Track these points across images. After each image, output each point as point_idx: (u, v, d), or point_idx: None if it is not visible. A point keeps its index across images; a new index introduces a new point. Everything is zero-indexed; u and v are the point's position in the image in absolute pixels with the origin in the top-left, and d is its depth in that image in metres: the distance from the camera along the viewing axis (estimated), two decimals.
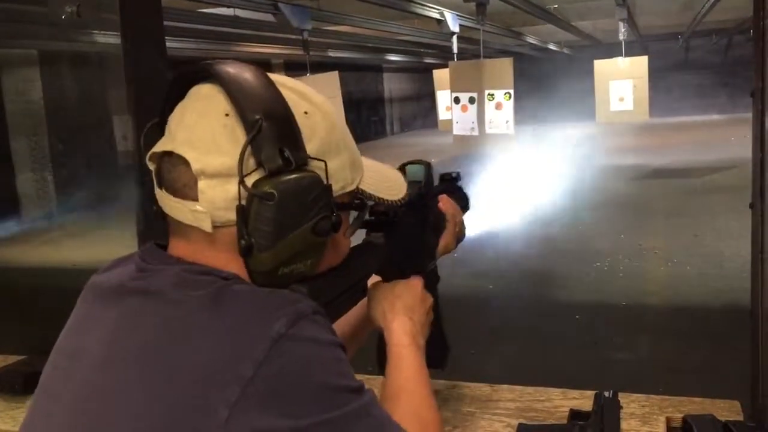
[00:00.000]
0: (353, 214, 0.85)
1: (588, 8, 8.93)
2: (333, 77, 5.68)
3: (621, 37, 6.60)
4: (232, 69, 0.75)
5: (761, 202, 1.16)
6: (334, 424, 0.68)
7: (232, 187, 0.70)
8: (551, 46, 14.49)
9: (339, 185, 0.78)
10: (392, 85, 19.97)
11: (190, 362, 0.66)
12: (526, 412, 1.21)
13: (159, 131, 0.77)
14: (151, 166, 0.76)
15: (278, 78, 0.79)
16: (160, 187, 0.75)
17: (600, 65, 6.48)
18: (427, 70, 10.63)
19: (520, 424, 1.14)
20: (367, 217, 0.96)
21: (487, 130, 5.72)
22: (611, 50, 9.99)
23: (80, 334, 0.77)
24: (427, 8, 6.90)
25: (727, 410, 1.18)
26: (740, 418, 1.16)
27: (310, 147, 0.74)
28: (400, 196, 0.87)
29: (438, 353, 1.14)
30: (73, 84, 9.28)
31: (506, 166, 10.47)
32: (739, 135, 10.43)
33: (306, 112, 0.76)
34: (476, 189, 9.19)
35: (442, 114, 7.88)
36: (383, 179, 0.87)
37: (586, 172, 10.12)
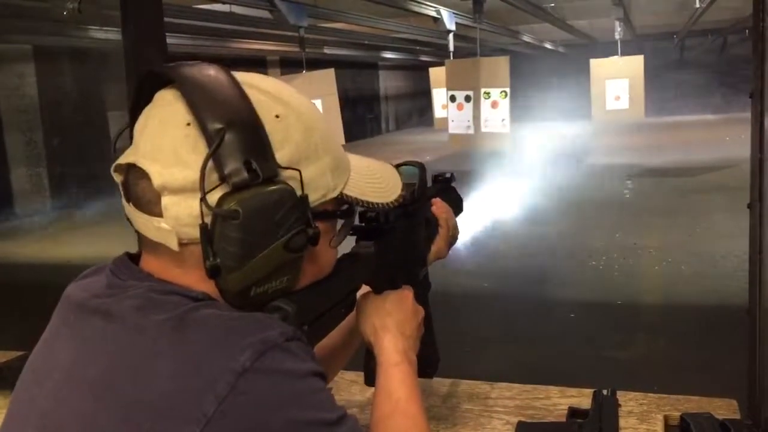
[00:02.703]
0: (340, 221, 0.79)
1: (584, 7, 8.94)
2: (329, 74, 5.67)
3: (617, 36, 6.61)
4: (194, 72, 0.69)
5: (759, 202, 1.17)
6: None
7: (197, 203, 0.65)
8: (547, 45, 14.50)
9: (319, 193, 0.72)
10: (388, 82, 19.95)
11: (148, 395, 0.62)
12: (525, 410, 1.21)
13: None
14: (118, 178, 0.71)
15: (250, 79, 0.72)
16: (128, 200, 0.71)
17: (596, 64, 6.48)
18: (423, 67, 10.63)
19: (519, 422, 1.15)
20: (356, 223, 0.92)
21: (483, 129, 5.72)
22: (607, 49, 10.00)
23: (47, 354, 0.74)
24: (424, 6, 6.89)
25: (725, 408, 1.18)
26: (737, 416, 1.17)
27: (282, 155, 0.68)
28: (393, 198, 0.80)
29: (428, 363, 1.11)
30: (68, 80, 9.24)
31: (502, 164, 10.49)
32: (734, 135, 10.47)
33: (277, 116, 0.69)
34: (472, 187, 9.22)
35: (438, 112, 7.88)
36: (374, 180, 0.80)
37: (581, 171, 10.15)
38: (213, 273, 0.66)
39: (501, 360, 3.79)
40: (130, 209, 0.70)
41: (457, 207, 1.15)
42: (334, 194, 0.74)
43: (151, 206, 0.68)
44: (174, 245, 0.67)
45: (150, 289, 0.69)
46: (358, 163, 0.80)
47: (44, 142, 8.99)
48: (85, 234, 7.33)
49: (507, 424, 1.17)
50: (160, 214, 0.67)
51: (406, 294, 0.93)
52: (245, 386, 0.61)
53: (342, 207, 0.76)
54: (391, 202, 0.80)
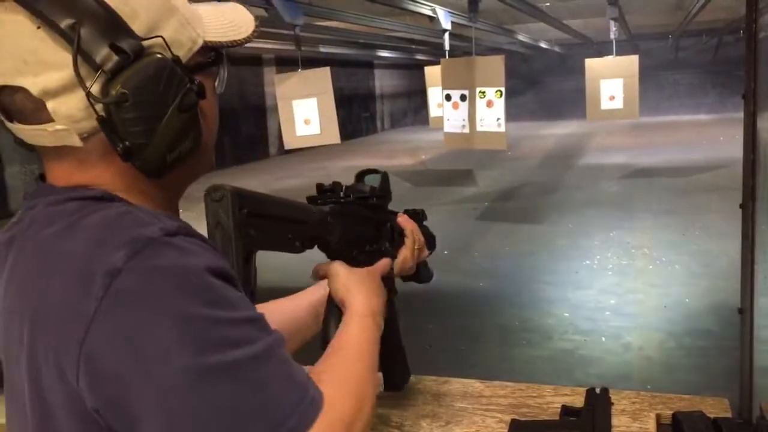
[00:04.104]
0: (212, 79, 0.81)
1: (579, 6, 8.96)
2: (325, 73, 5.66)
3: (612, 36, 6.61)
4: None
5: (752, 202, 1.18)
6: (200, 368, 0.61)
7: (81, 95, 0.67)
8: (543, 44, 14.52)
9: (186, 49, 0.74)
10: (383, 81, 19.95)
11: (43, 314, 0.66)
12: (519, 408, 1.22)
13: None
14: None
15: None
16: (11, 120, 0.72)
17: (591, 64, 6.48)
18: (419, 66, 10.63)
19: (512, 420, 1.15)
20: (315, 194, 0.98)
21: (478, 128, 5.72)
22: (602, 48, 10.02)
23: None
24: (420, 5, 6.90)
25: (716, 407, 1.19)
26: (729, 414, 1.18)
27: (139, 25, 0.70)
28: (250, 30, 0.82)
29: (397, 375, 1.13)
30: None
31: (497, 163, 10.51)
32: (727, 135, 10.53)
33: None
34: (466, 187, 9.23)
35: (434, 111, 7.87)
36: (227, 21, 0.81)
37: (576, 170, 10.17)
38: (127, 155, 0.69)
39: (494, 358, 3.80)
40: (17, 127, 0.72)
41: (429, 244, 1.18)
42: (199, 44, 0.76)
43: (37, 115, 0.69)
44: (77, 141, 0.70)
45: (50, 202, 0.72)
46: (205, 9, 0.81)
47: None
48: None
49: (500, 422, 1.17)
50: (49, 120, 0.69)
51: (375, 272, 0.97)
52: (120, 285, 0.62)
53: (210, 54, 0.78)
54: (250, 34, 0.81)
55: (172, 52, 0.71)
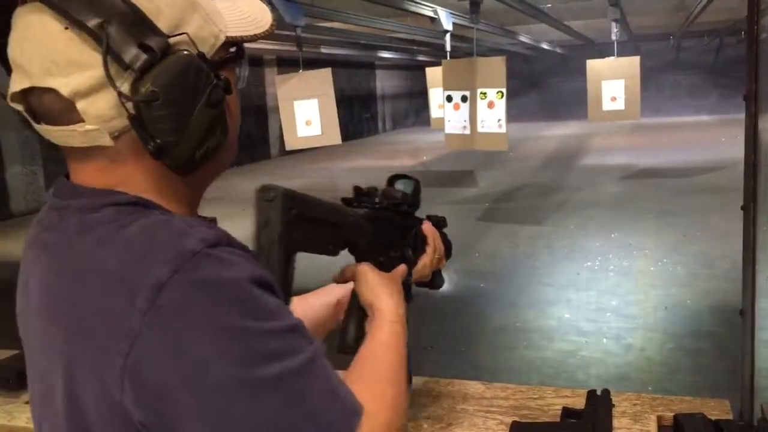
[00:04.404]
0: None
1: (581, 8, 8.96)
2: (326, 74, 5.66)
3: (613, 37, 6.61)
4: None
5: (753, 204, 1.18)
6: (244, 381, 0.62)
7: (111, 94, 0.67)
8: (544, 46, 14.53)
9: (209, 45, 0.74)
10: (385, 82, 19.95)
11: (87, 317, 0.66)
12: (520, 410, 1.22)
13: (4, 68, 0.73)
14: (18, 106, 0.72)
15: None
16: (38, 122, 0.72)
17: (593, 65, 6.48)
18: (420, 67, 10.63)
19: (513, 422, 1.15)
20: (350, 196, 0.98)
21: (479, 129, 5.72)
22: (603, 50, 10.02)
23: (23, 302, 0.78)
24: (421, 6, 6.90)
25: (717, 409, 1.19)
26: (730, 416, 1.17)
27: (163, 22, 0.69)
28: (269, 24, 0.81)
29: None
30: None
31: (498, 164, 10.51)
32: (729, 136, 10.51)
33: None
34: (467, 188, 9.22)
35: (435, 112, 7.87)
36: (245, 16, 0.81)
37: (577, 171, 10.17)
38: (158, 154, 0.69)
39: (496, 360, 3.80)
40: (45, 129, 0.71)
41: (446, 253, 1.19)
42: (221, 40, 0.76)
43: (65, 116, 0.69)
44: (108, 141, 0.69)
45: (82, 209, 0.71)
46: (223, 3, 0.81)
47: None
48: None
49: (501, 423, 1.17)
50: (79, 120, 0.68)
51: (396, 277, 0.97)
52: (164, 300, 0.62)
53: (231, 49, 0.78)
54: (269, 28, 0.81)
55: (197, 48, 0.71)
